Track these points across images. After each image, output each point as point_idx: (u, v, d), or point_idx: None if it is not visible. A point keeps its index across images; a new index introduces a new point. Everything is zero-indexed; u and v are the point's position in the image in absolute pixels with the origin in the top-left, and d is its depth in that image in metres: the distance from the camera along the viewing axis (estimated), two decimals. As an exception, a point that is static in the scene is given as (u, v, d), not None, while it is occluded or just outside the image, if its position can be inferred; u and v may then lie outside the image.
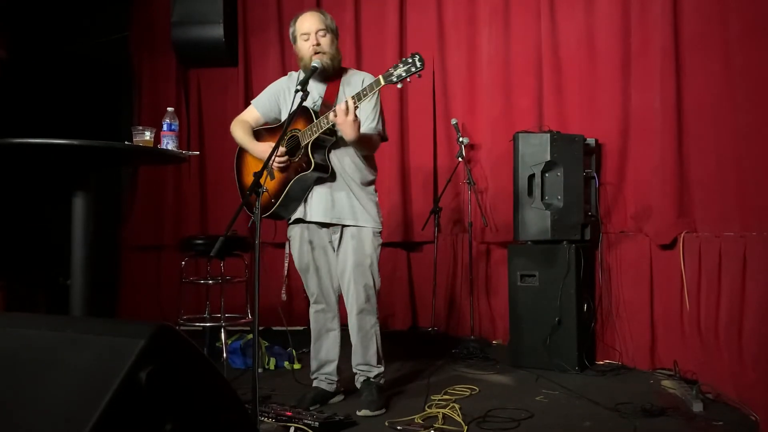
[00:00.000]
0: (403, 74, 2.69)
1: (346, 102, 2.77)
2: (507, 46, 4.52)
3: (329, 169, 3.01)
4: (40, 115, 4.45)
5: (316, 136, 2.90)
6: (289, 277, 4.87)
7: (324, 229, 3.10)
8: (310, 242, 3.12)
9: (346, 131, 2.82)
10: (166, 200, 5.33)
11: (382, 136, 3.13)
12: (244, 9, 5.23)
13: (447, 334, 4.70)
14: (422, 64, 2.65)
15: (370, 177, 3.14)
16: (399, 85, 2.75)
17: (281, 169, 3.01)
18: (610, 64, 4.07)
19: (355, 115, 2.78)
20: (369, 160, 3.14)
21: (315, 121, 2.91)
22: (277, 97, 3.19)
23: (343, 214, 3.04)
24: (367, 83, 2.91)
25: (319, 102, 3.05)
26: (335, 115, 2.79)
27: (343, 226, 3.07)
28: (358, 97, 2.78)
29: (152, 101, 5.26)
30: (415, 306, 4.91)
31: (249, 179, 3.05)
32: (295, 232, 3.16)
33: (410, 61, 2.67)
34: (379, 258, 3.12)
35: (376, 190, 3.17)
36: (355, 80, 3.09)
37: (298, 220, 3.12)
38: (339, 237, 3.08)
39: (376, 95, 2.99)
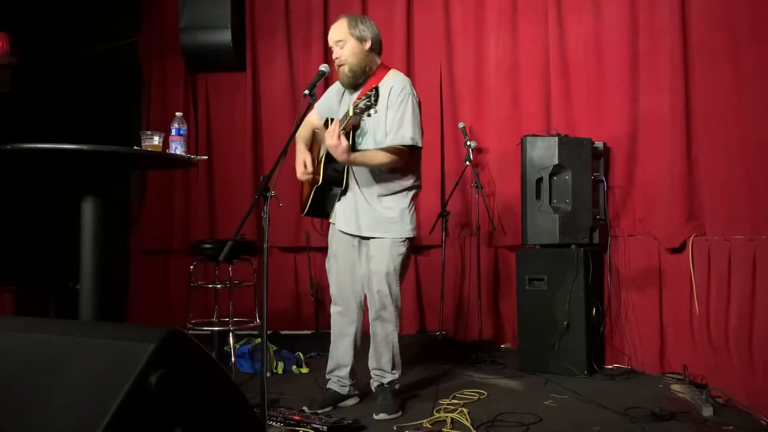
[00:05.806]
0: (363, 107, 2.77)
1: (333, 126, 2.86)
2: (514, 50, 4.52)
3: (343, 182, 3.08)
4: (51, 120, 4.48)
5: (324, 152, 3.02)
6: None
7: (348, 236, 3.15)
8: (336, 247, 3.20)
9: (334, 154, 2.90)
10: (174, 205, 5.33)
11: (412, 145, 3.01)
12: (252, 14, 5.23)
13: (455, 339, 4.68)
14: (377, 101, 2.77)
15: (399, 186, 3.09)
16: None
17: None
18: (618, 68, 4.05)
19: (340, 139, 2.84)
20: (400, 169, 3.07)
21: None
22: (330, 100, 3.26)
23: (362, 227, 3.09)
24: (385, 93, 2.98)
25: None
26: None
27: (361, 237, 3.11)
28: (351, 112, 2.82)
29: (161, 106, 5.27)
30: (422, 310, 4.89)
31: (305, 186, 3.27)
32: (330, 233, 3.26)
33: (369, 94, 2.76)
34: (401, 266, 3.09)
35: (409, 193, 3.12)
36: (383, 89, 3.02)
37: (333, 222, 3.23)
38: (359, 244, 3.14)
39: (406, 103, 2.99)
